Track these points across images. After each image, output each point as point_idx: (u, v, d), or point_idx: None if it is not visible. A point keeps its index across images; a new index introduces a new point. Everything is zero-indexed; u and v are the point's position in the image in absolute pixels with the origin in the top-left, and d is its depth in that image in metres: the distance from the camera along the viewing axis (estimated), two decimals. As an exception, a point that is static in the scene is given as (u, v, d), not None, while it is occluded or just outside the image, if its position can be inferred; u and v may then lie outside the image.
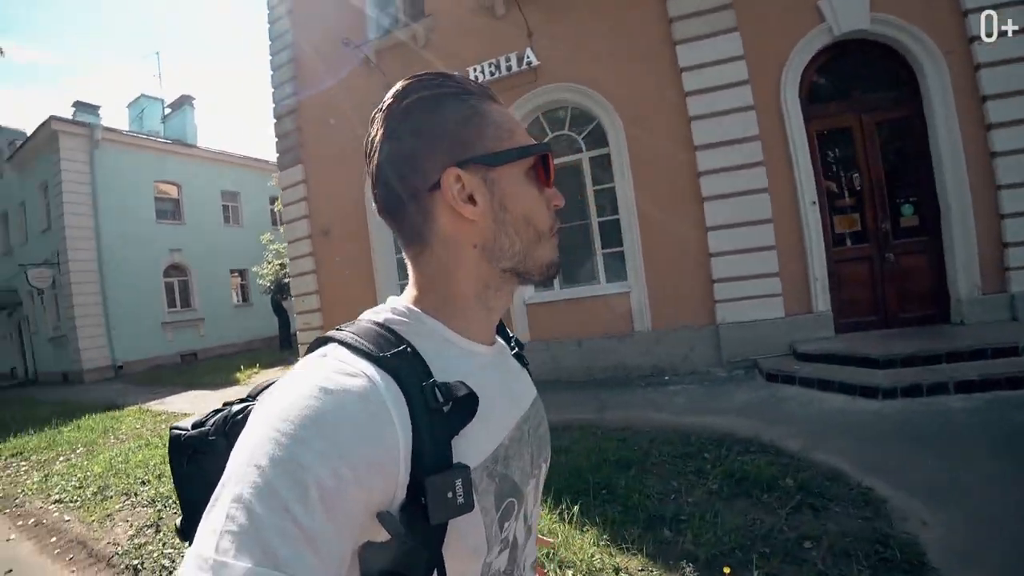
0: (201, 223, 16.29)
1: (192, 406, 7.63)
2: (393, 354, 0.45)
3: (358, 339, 0.46)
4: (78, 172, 13.50)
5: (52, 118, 13.26)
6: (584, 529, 2.55)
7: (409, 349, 0.46)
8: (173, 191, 15.88)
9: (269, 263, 13.45)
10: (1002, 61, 4.49)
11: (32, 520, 3.90)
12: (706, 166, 5.37)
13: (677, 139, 5.53)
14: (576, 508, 2.69)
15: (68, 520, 3.77)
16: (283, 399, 0.40)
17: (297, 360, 0.43)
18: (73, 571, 3.05)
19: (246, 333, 16.62)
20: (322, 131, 7.83)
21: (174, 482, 0.54)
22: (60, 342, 14.02)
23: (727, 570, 2.03)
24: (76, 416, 7.63)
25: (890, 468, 2.75)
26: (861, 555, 2.04)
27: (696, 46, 5.40)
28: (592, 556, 2.29)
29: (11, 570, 3.13)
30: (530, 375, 0.68)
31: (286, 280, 11.26)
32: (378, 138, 0.51)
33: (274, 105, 8.42)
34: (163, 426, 6.30)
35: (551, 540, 1.04)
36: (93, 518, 3.70)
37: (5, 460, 5.72)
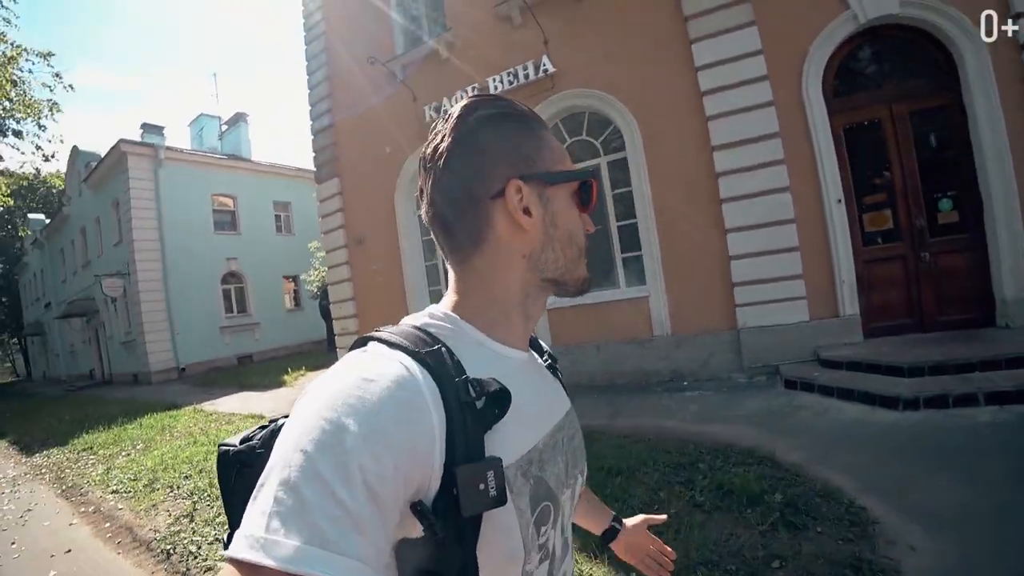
0: (255, 232, 17.22)
1: (242, 406, 8.16)
2: (428, 352, 0.47)
3: (396, 336, 0.49)
4: (144, 189, 14.67)
5: (121, 141, 14.50)
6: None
7: (444, 348, 0.48)
8: (229, 203, 16.89)
9: (316, 270, 14.00)
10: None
11: (92, 508, 4.38)
12: (724, 166, 5.21)
13: (694, 140, 5.40)
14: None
15: (121, 509, 4.22)
16: (326, 389, 0.42)
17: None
18: (119, 553, 3.43)
19: (297, 336, 17.45)
20: (355, 144, 8.22)
21: (223, 497, 0.54)
22: (130, 346, 15.23)
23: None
24: (140, 414, 8.36)
25: (892, 487, 2.58)
26: (828, 579, 1.92)
27: (712, 43, 5.25)
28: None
29: (70, 550, 3.57)
30: (564, 388, 0.69)
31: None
32: (444, 146, 0.54)
33: (311, 122, 8.91)
34: (212, 426, 6.82)
35: (663, 517, 0.96)
36: (141, 507, 4.12)
37: (78, 454, 6.41)
